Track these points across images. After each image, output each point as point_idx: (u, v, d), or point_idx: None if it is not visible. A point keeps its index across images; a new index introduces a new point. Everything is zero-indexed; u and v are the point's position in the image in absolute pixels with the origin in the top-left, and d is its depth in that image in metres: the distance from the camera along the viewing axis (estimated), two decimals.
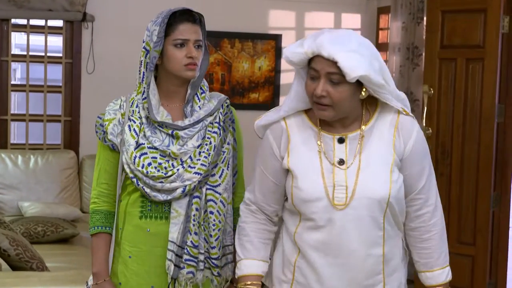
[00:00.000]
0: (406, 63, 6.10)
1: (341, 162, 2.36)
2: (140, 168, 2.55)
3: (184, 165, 2.58)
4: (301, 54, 2.30)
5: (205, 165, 2.59)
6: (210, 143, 2.61)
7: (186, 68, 2.57)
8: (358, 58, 2.22)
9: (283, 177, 2.45)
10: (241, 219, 2.53)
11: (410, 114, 2.43)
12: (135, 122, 2.60)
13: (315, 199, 2.35)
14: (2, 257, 3.65)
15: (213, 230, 2.61)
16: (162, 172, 2.56)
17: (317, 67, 2.28)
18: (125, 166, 2.59)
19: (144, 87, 2.58)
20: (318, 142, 2.38)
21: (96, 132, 2.64)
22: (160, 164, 2.57)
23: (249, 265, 2.47)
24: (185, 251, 2.58)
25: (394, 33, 6.29)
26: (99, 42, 6.22)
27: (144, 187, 2.57)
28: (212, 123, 2.64)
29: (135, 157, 2.57)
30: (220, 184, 2.63)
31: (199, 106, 2.64)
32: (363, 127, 2.38)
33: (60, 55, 6.25)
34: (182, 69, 2.58)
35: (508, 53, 5.12)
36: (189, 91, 2.63)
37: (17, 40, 9.35)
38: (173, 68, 2.58)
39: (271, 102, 6.74)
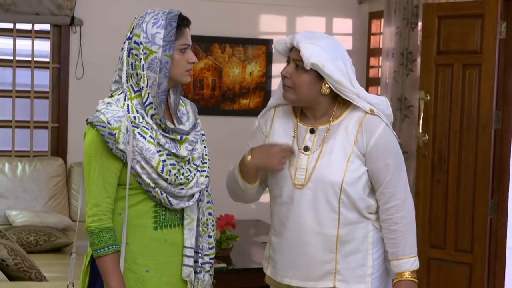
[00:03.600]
0: (400, 69, 6.16)
1: (306, 149, 2.79)
2: (168, 177, 2.52)
3: (199, 169, 2.64)
4: (282, 44, 2.79)
5: (209, 167, 2.69)
6: (205, 146, 2.72)
7: (187, 74, 2.61)
8: (317, 50, 2.68)
9: None
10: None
11: (377, 114, 2.77)
12: (148, 129, 2.54)
13: (279, 179, 2.81)
14: (0, 267, 3.65)
15: (212, 230, 2.72)
16: (182, 178, 2.57)
17: (290, 54, 2.77)
18: (144, 177, 2.51)
19: (149, 92, 2.52)
20: (294, 130, 2.83)
21: (107, 142, 2.48)
22: (178, 170, 2.57)
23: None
24: (199, 255, 2.65)
25: (387, 38, 6.35)
26: (88, 46, 6.23)
27: (168, 196, 2.55)
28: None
29: (163, 166, 2.52)
30: (208, 185, 2.75)
31: (186, 110, 2.69)
32: (331, 121, 2.79)
33: (47, 60, 6.25)
34: (184, 75, 2.60)
35: (505, 59, 5.21)
36: (173, 96, 2.65)
37: None
38: (176, 73, 2.57)
39: (262, 108, 6.76)
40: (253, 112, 6.77)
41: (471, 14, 5.21)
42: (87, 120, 2.55)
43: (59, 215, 5.65)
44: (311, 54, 2.67)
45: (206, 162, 2.68)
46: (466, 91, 5.26)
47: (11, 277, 3.69)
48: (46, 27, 6.22)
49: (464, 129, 5.26)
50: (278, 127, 2.86)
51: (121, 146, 2.49)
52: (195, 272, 2.64)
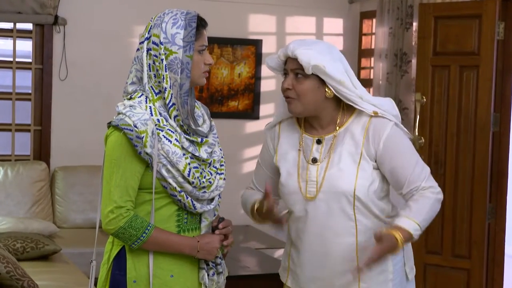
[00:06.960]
0: (394, 70, 6.19)
1: (314, 160, 2.81)
2: (193, 180, 2.55)
3: (218, 172, 2.68)
4: (275, 58, 2.82)
5: (225, 170, 2.72)
6: (221, 148, 2.74)
7: (204, 75, 2.63)
8: (314, 54, 2.70)
9: (275, 171, 2.93)
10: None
11: (382, 115, 2.77)
12: (172, 132, 2.55)
13: (290, 193, 2.83)
14: None
15: None
16: (204, 182, 2.60)
17: (287, 66, 2.79)
18: (170, 180, 2.53)
19: (172, 94, 2.55)
20: (300, 143, 2.85)
21: (136, 145, 2.49)
22: (201, 173, 2.60)
23: None
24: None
25: (379, 38, 6.37)
26: (72, 47, 6.20)
27: (192, 200, 2.58)
28: None
29: (189, 170, 2.55)
30: None
31: (201, 112, 2.71)
32: (337, 128, 2.80)
33: (30, 60, 6.21)
34: (201, 76, 2.62)
35: (503, 60, 5.24)
36: (189, 98, 2.63)
37: None
38: (194, 74, 2.59)
39: (251, 110, 6.79)
40: (242, 114, 6.77)
41: (468, 14, 5.25)
42: (109, 122, 2.56)
43: (43, 221, 5.61)
44: (310, 58, 2.69)
45: (223, 165, 2.71)
46: (464, 93, 5.29)
47: (2, 286, 3.66)
48: (29, 26, 6.18)
49: (462, 132, 5.30)
50: (284, 142, 2.88)
51: (148, 150, 2.51)
52: (208, 274, 2.66)
